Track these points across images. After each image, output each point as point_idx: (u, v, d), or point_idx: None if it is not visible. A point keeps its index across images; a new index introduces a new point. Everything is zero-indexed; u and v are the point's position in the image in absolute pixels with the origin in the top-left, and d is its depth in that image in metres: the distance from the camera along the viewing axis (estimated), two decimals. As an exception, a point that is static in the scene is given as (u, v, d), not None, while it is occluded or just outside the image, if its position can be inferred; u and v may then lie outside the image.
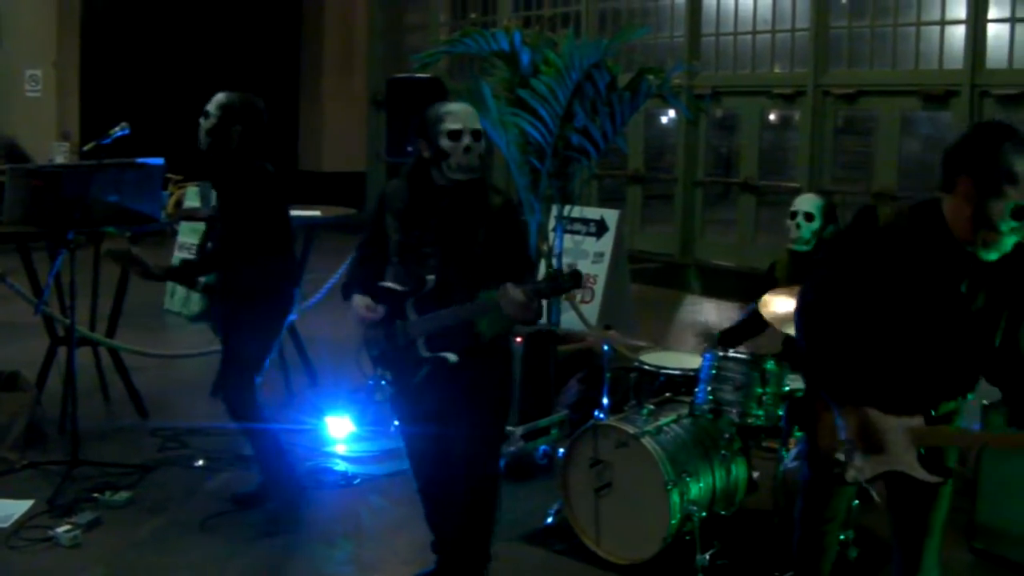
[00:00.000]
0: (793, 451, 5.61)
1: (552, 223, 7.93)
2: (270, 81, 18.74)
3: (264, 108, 5.92)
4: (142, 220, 7.17)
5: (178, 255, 11.78)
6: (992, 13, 11.89)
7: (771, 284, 6.41)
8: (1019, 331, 3.69)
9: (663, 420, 5.65)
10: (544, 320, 6.63)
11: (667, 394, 6.20)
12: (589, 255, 10.58)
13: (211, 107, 5.82)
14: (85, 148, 6.75)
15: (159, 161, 7.46)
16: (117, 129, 6.71)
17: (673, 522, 5.27)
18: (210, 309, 6.02)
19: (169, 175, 12.80)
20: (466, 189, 4.56)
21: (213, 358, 6.47)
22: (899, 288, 3.66)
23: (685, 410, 5.81)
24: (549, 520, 5.94)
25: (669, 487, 5.24)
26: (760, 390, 5.56)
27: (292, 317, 6.16)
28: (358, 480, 6.66)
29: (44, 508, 5.97)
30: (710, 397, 5.65)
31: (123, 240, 5.93)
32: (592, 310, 10.16)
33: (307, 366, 8.59)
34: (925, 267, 3.64)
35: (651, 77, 7.53)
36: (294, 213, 6.61)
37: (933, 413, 3.70)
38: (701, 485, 5.47)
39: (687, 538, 5.41)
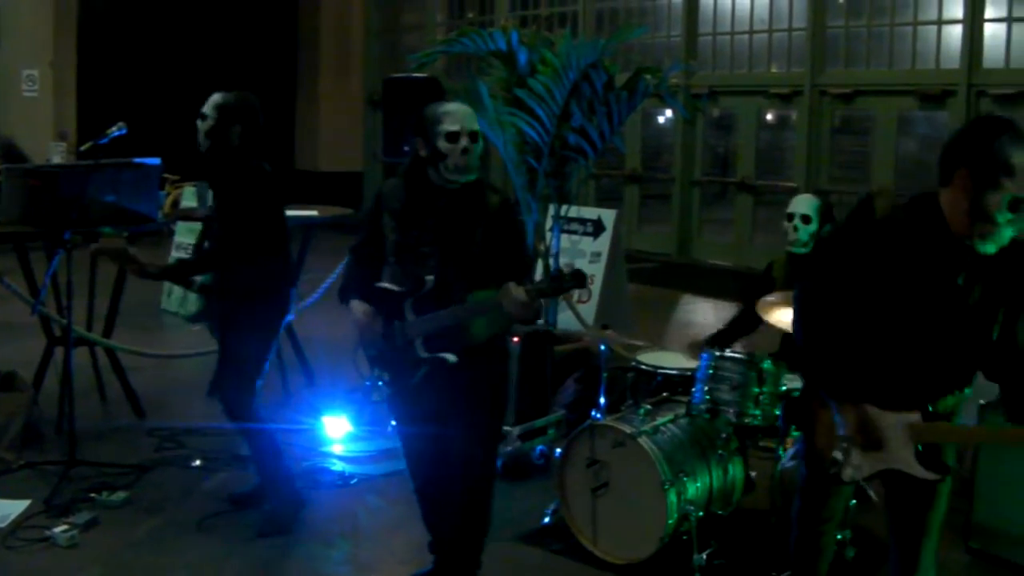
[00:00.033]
0: (790, 451, 5.61)
1: (549, 223, 7.94)
2: (267, 81, 18.75)
3: (260, 107, 5.92)
4: (139, 220, 7.17)
5: (175, 255, 11.78)
6: (989, 13, 11.92)
7: (768, 284, 6.40)
8: (1017, 326, 3.69)
9: (660, 420, 5.64)
10: (541, 320, 6.62)
11: (664, 394, 6.19)
12: (586, 255, 10.59)
13: (207, 109, 5.81)
14: (82, 148, 6.74)
15: (156, 161, 7.46)
16: (114, 129, 6.71)
17: (670, 522, 5.27)
18: (207, 309, 6.01)
19: (166, 175, 12.75)
20: (464, 189, 4.55)
21: (210, 358, 6.47)
22: (896, 281, 3.66)
23: (682, 410, 5.80)
24: (546, 520, 5.93)
25: (666, 487, 5.24)
26: (757, 390, 5.56)
27: (289, 317, 6.16)
28: (355, 480, 6.66)
29: (41, 508, 5.96)
30: (707, 397, 5.65)
31: (118, 239, 5.91)
32: (589, 310, 10.17)
33: (304, 366, 8.58)
34: (922, 260, 3.64)
35: (648, 77, 7.54)
36: (291, 213, 6.61)
37: (930, 408, 3.70)
38: (698, 485, 5.47)
39: (684, 538, 5.40)
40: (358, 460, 6.94)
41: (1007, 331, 3.74)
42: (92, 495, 6.13)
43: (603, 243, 10.60)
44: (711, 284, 13.59)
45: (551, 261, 7.94)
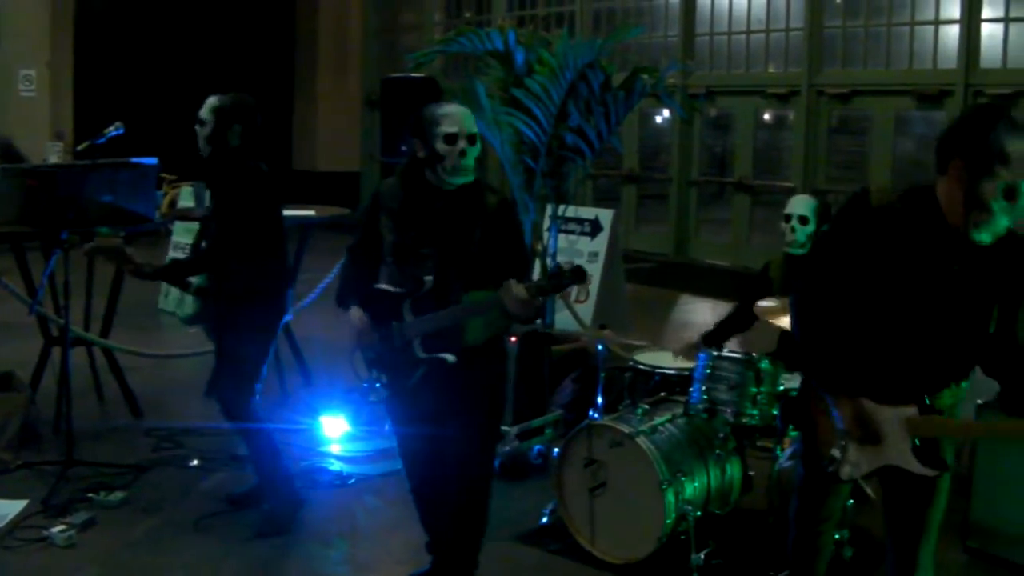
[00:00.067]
0: (788, 450, 5.62)
1: (547, 223, 7.94)
2: (264, 81, 18.76)
3: (257, 106, 5.92)
4: (136, 220, 7.17)
5: (172, 255, 11.77)
6: (986, 13, 11.92)
7: (765, 284, 6.40)
8: (1016, 322, 3.68)
9: (658, 420, 5.65)
10: (539, 320, 6.63)
11: (662, 394, 6.19)
12: (584, 255, 10.60)
13: (204, 113, 5.81)
14: (79, 148, 6.73)
15: (153, 161, 7.45)
16: (111, 129, 6.70)
17: (668, 521, 5.27)
18: (202, 312, 6.00)
19: (163, 175, 12.75)
20: (461, 190, 4.55)
21: (207, 358, 6.47)
22: (891, 270, 3.67)
23: (680, 409, 5.80)
24: (544, 520, 5.94)
25: (664, 486, 5.24)
26: (755, 389, 5.56)
27: (287, 317, 6.16)
28: (353, 480, 6.66)
29: (39, 508, 5.95)
30: (705, 396, 5.65)
31: (115, 238, 5.91)
32: (587, 310, 10.17)
33: (302, 366, 8.58)
34: (917, 250, 3.65)
35: (645, 76, 7.54)
36: (288, 213, 6.61)
37: (927, 401, 3.69)
38: (696, 485, 5.47)
39: (682, 538, 5.41)
40: (356, 460, 6.94)
41: (1006, 326, 3.74)
42: (90, 495, 6.13)
43: (600, 243, 10.61)
44: (708, 284, 13.59)
45: (549, 261, 7.94)
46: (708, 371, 5.67)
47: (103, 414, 7.84)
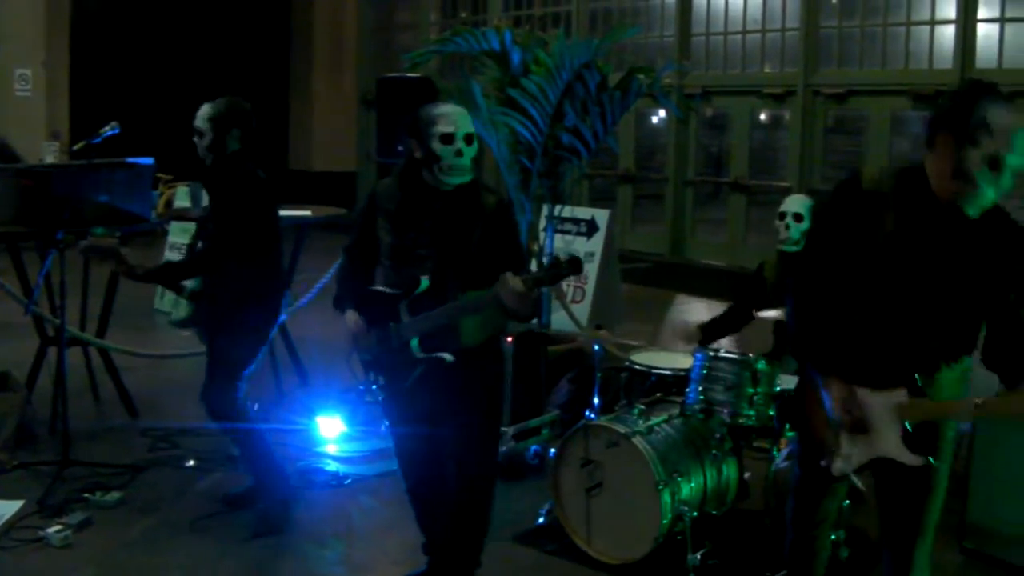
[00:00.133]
0: (784, 451, 5.62)
1: (543, 223, 7.94)
2: (260, 80, 18.77)
3: (251, 108, 5.92)
4: (132, 220, 7.16)
5: (168, 255, 11.77)
6: (982, 13, 11.94)
7: (759, 285, 6.42)
8: (1016, 311, 3.67)
9: (654, 420, 5.65)
10: (535, 320, 6.63)
11: (658, 394, 6.20)
12: (580, 255, 10.58)
13: (201, 124, 5.81)
14: (75, 148, 6.73)
15: (149, 161, 7.44)
16: (107, 129, 6.70)
17: (664, 522, 5.27)
18: (195, 315, 5.99)
19: (159, 175, 12.76)
20: (459, 190, 4.54)
21: (203, 359, 6.47)
22: (882, 250, 3.69)
23: (676, 410, 5.81)
24: (540, 520, 5.94)
25: (660, 487, 5.24)
26: (751, 390, 5.57)
27: (283, 317, 6.15)
28: (349, 480, 6.66)
29: (34, 508, 5.95)
30: (701, 397, 5.66)
31: (109, 238, 5.91)
32: (583, 310, 10.18)
33: (298, 366, 8.57)
34: (907, 225, 3.67)
35: (641, 77, 7.54)
36: (284, 213, 6.61)
37: (919, 381, 3.69)
38: (692, 485, 5.47)
39: (678, 538, 5.41)
40: (352, 460, 6.94)
41: (1007, 317, 3.71)
42: (86, 495, 6.13)
43: (597, 243, 10.61)
44: (704, 284, 13.60)
45: (545, 261, 7.94)
46: (705, 372, 5.68)
47: (99, 414, 7.84)
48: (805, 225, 6.09)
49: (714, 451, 5.66)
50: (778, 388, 5.61)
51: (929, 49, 12.50)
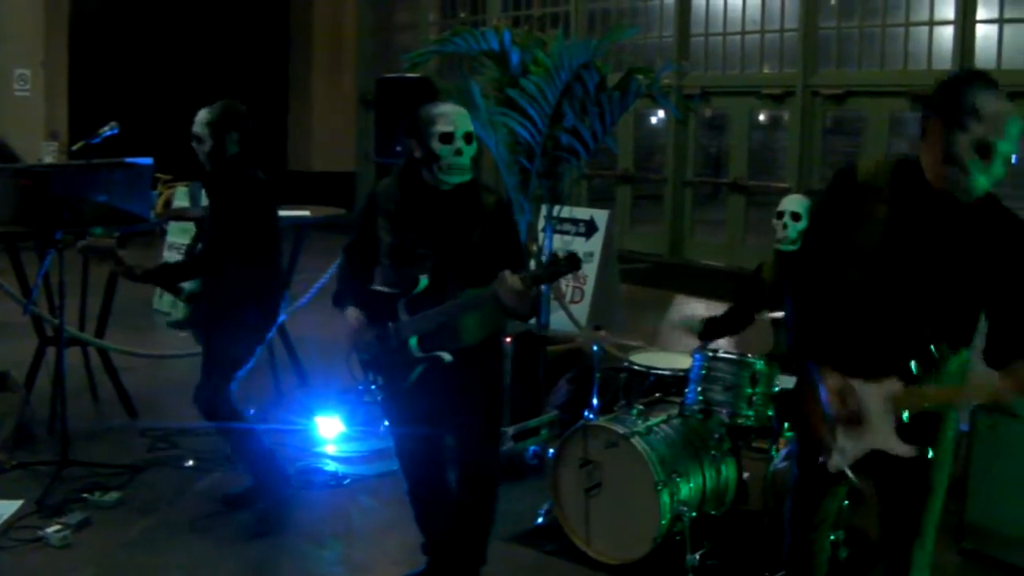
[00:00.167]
0: (783, 451, 5.62)
1: (541, 223, 7.93)
2: (259, 81, 18.76)
3: (247, 110, 5.93)
4: (131, 220, 7.16)
5: (168, 255, 11.76)
6: (980, 14, 11.94)
7: (757, 286, 6.42)
8: (1016, 307, 3.67)
9: (653, 420, 5.65)
10: (533, 320, 6.63)
11: (657, 394, 6.20)
12: (579, 255, 10.58)
13: (199, 130, 5.81)
14: (74, 148, 6.73)
15: (148, 161, 7.44)
16: (106, 129, 6.70)
17: (663, 522, 5.27)
18: (192, 317, 5.99)
19: (158, 175, 12.75)
20: (458, 190, 4.54)
21: (201, 359, 6.47)
22: (876, 238, 3.70)
23: (675, 410, 5.81)
24: (539, 520, 5.94)
25: (659, 487, 5.24)
26: (750, 390, 5.57)
27: (282, 317, 6.15)
28: (348, 480, 6.66)
29: (33, 508, 5.95)
30: (700, 397, 5.66)
31: (108, 238, 5.91)
32: (582, 310, 10.18)
33: (297, 366, 8.57)
34: (901, 216, 3.68)
35: (640, 77, 7.53)
36: (283, 213, 6.61)
37: (914, 369, 3.68)
38: (691, 485, 5.47)
39: (677, 538, 5.41)
40: (351, 460, 6.94)
41: (1007, 312, 3.70)
42: (85, 495, 6.13)
43: (595, 243, 10.61)
44: (703, 285, 13.60)
45: (543, 261, 7.93)
46: (703, 372, 5.68)
47: (98, 414, 7.83)
48: (802, 224, 6.09)
49: (713, 451, 5.66)
50: (777, 388, 5.61)
51: (928, 50, 12.51)
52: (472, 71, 8.37)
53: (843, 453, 3.79)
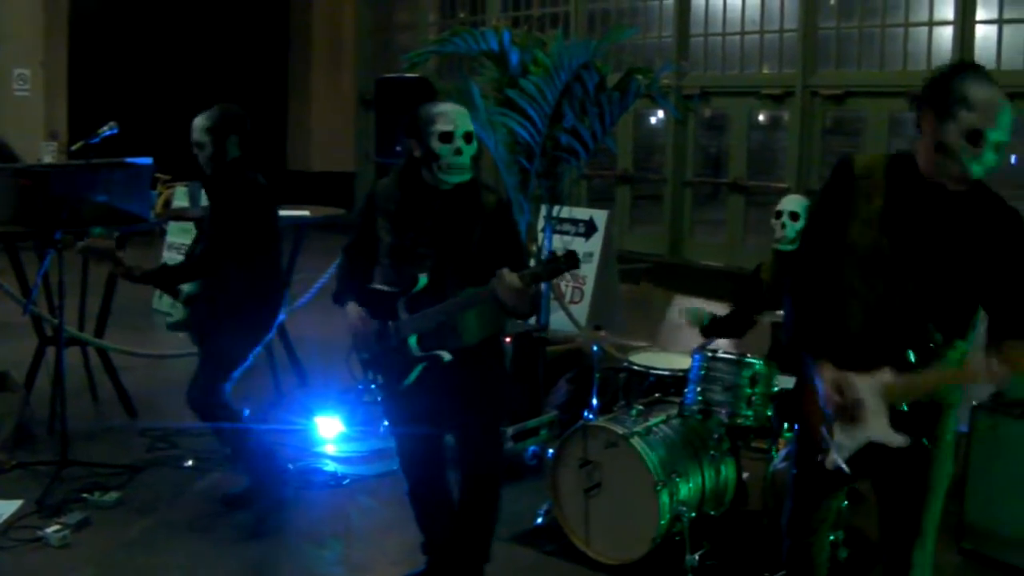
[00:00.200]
0: (783, 451, 5.62)
1: (541, 223, 7.94)
2: (258, 81, 18.76)
3: (244, 112, 5.93)
4: (130, 220, 7.16)
5: (167, 255, 11.77)
6: (980, 14, 11.94)
7: (756, 287, 6.42)
8: (1015, 301, 3.66)
9: (652, 420, 5.65)
10: (532, 320, 6.63)
11: (656, 395, 6.20)
12: (578, 255, 10.57)
13: (199, 136, 5.81)
14: (73, 148, 6.74)
15: (147, 161, 7.44)
16: (105, 128, 6.70)
17: (662, 522, 5.27)
18: (189, 319, 5.99)
19: (158, 175, 12.76)
20: (458, 189, 4.54)
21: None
22: (871, 228, 3.72)
23: (674, 410, 5.81)
24: (539, 521, 5.94)
25: (658, 487, 5.24)
26: (749, 391, 5.57)
27: (281, 317, 6.15)
28: (347, 481, 6.66)
29: (33, 508, 5.95)
30: (699, 398, 5.66)
31: (107, 239, 5.91)
32: (581, 310, 10.18)
33: (296, 366, 8.57)
34: (895, 207, 3.70)
35: (640, 77, 7.54)
36: (283, 213, 6.61)
37: (911, 357, 3.68)
38: (690, 486, 5.47)
39: (676, 539, 5.41)
40: (350, 461, 6.94)
41: (1007, 305, 3.70)
42: (84, 495, 6.13)
43: (595, 244, 10.61)
44: (703, 285, 13.60)
45: (543, 260, 7.94)
46: (703, 372, 5.68)
47: (98, 414, 7.84)
48: (801, 224, 6.09)
49: (712, 451, 5.67)
50: (776, 389, 5.61)
51: (927, 50, 12.50)
52: (471, 71, 8.38)
53: (840, 449, 3.78)
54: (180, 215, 9.86)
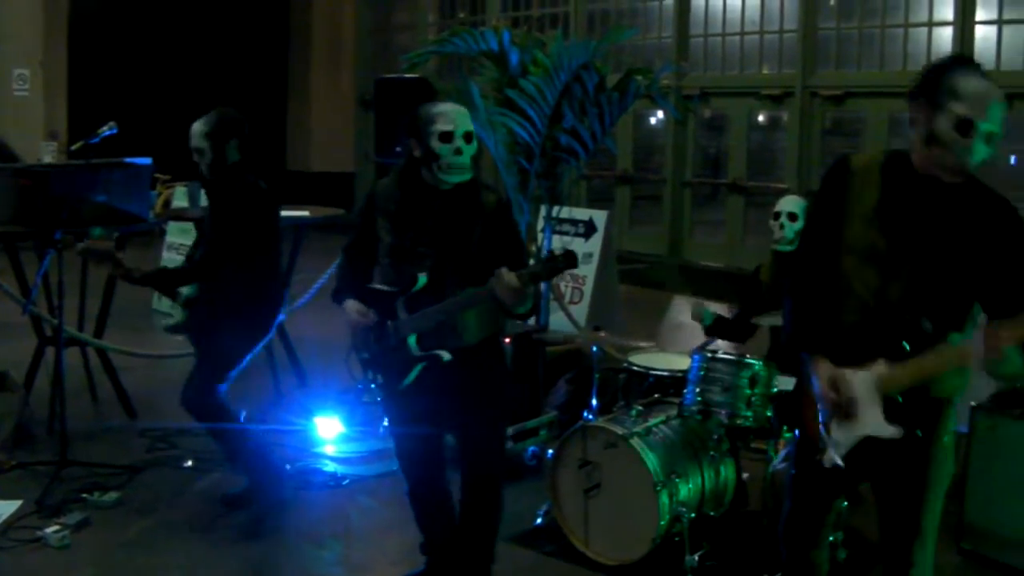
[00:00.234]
0: (782, 452, 5.62)
1: (540, 224, 7.94)
2: (258, 81, 18.76)
3: (241, 115, 5.93)
4: (130, 220, 7.16)
5: (167, 255, 11.77)
6: (979, 15, 11.93)
7: (755, 288, 6.42)
8: (1014, 296, 3.67)
9: (652, 421, 5.65)
10: (532, 320, 6.63)
11: (656, 395, 6.20)
12: (578, 256, 10.57)
13: (198, 142, 5.82)
14: (73, 148, 6.74)
15: (147, 161, 7.45)
16: (105, 128, 6.71)
17: (662, 523, 5.27)
18: (187, 322, 6.00)
19: (157, 175, 12.75)
20: (458, 189, 4.54)
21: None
22: (866, 222, 3.74)
23: (674, 411, 5.81)
24: (538, 521, 5.94)
25: (658, 488, 5.25)
26: (749, 391, 5.57)
27: (281, 317, 6.15)
28: (347, 481, 6.66)
29: (32, 509, 5.96)
30: (699, 398, 5.66)
31: (106, 241, 5.92)
32: (581, 311, 10.17)
33: (296, 366, 8.57)
34: (890, 200, 3.72)
35: (639, 78, 7.54)
36: (282, 214, 6.61)
37: (906, 347, 3.68)
38: (690, 486, 5.47)
39: (676, 539, 5.42)
40: (350, 461, 6.94)
41: (1005, 300, 3.70)
42: (84, 495, 6.13)
43: (594, 244, 10.60)
44: (702, 285, 13.59)
45: (542, 258, 7.94)
46: (702, 373, 5.68)
47: (97, 414, 7.84)
48: (799, 225, 6.10)
49: (712, 452, 5.67)
50: (775, 389, 5.61)
51: (927, 51, 12.49)
52: (471, 71, 8.39)
53: (836, 446, 3.78)
54: (180, 215, 9.86)
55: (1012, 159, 11.18)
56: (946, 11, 12.21)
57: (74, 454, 6.50)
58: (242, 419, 5.97)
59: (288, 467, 6.52)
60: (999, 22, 11.82)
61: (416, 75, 9.66)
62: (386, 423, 4.97)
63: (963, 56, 3.73)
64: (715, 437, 5.71)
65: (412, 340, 4.55)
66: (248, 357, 5.97)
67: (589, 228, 10.64)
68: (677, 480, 5.37)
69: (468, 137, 4.51)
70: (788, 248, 6.12)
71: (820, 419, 3.83)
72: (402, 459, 4.96)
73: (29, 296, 6.88)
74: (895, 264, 3.70)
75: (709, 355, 5.72)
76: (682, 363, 6.17)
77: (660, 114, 15.40)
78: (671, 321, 12.28)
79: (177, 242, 11.56)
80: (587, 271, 10.41)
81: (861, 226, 3.75)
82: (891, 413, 3.68)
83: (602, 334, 6.04)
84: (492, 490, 4.85)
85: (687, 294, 13.67)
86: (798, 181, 13.39)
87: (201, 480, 6.59)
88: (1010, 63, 11.68)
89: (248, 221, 5.76)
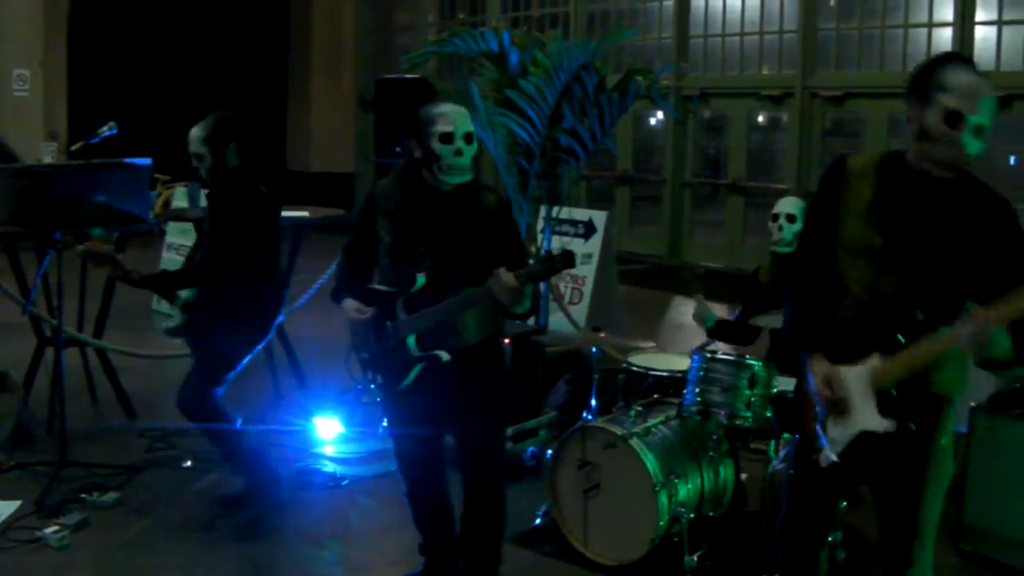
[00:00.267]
0: (781, 452, 5.62)
1: (540, 224, 7.94)
2: (258, 81, 18.77)
3: (239, 119, 5.93)
4: (130, 220, 7.16)
5: (166, 255, 11.77)
6: (979, 15, 11.95)
7: (755, 288, 6.42)
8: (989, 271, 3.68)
9: (651, 422, 5.65)
10: (531, 320, 6.63)
11: (655, 396, 6.20)
12: (577, 256, 10.57)
13: (197, 148, 5.81)
14: (73, 148, 6.74)
15: (147, 161, 7.45)
16: (105, 129, 6.71)
17: (661, 523, 5.27)
18: (186, 325, 5.99)
19: (157, 175, 12.72)
20: (458, 190, 4.54)
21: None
22: (862, 218, 3.77)
23: (673, 411, 5.81)
24: (537, 522, 5.94)
25: (657, 489, 5.24)
26: (748, 392, 5.56)
27: (280, 318, 6.15)
28: (346, 481, 6.65)
29: (32, 509, 5.95)
30: (698, 399, 5.65)
31: (106, 243, 5.91)
32: (580, 311, 10.17)
33: (295, 367, 8.56)
34: (885, 197, 3.74)
35: (639, 78, 7.54)
36: (282, 214, 6.61)
37: (901, 339, 3.68)
38: (689, 487, 5.47)
39: (675, 540, 5.41)
40: (349, 461, 6.93)
41: (988, 279, 3.70)
42: (83, 496, 6.13)
43: (594, 245, 10.60)
44: (702, 286, 13.60)
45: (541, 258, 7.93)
46: (702, 373, 5.67)
47: (96, 415, 7.84)
48: (798, 226, 6.09)
49: (711, 453, 5.67)
50: (775, 390, 5.61)
51: (927, 51, 12.50)
52: (471, 72, 8.38)
53: (833, 443, 3.79)
54: (179, 216, 9.85)
55: (1012, 159, 11.20)
56: (946, 12, 12.23)
57: (73, 454, 6.49)
58: (238, 424, 5.96)
59: (284, 468, 6.51)
60: (999, 22, 11.84)
61: (416, 76, 9.64)
62: (385, 423, 4.96)
63: (955, 53, 3.75)
64: (714, 438, 5.70)
65: (411, 340, 4.55)
66: (246, 360, 5.97)
67: (589, 229, 10.64)
68: (676, 480, 5.37)
69: (468, 138, 4.51)
70: (787, 250, 6.12)
71: (816, 419, 3.83)
72: (401, 459, 4.96)
73: (29, 296, 6.88)
74: (889, 258, 3.71)
75: (708, 356, 5.72)
76: (681, 364, 6.17)
77: (660, 115, 15.42)
78: (670, 322, 12.28)
79: (177, 242, 11.55)
80: (587, 272, 10.41)
81: (856, 224, 3.77)
82: (885, 406, 3.69)
83: (602, 334, 6.04)
84: (493, 491, 4.85)
85: (687, 294, 13.67)
86: (798, 182, 13.40)
87: (200, 480, 6.59)
88: (1010, 63, 11.69)
89: (248, 227, 5.76)
